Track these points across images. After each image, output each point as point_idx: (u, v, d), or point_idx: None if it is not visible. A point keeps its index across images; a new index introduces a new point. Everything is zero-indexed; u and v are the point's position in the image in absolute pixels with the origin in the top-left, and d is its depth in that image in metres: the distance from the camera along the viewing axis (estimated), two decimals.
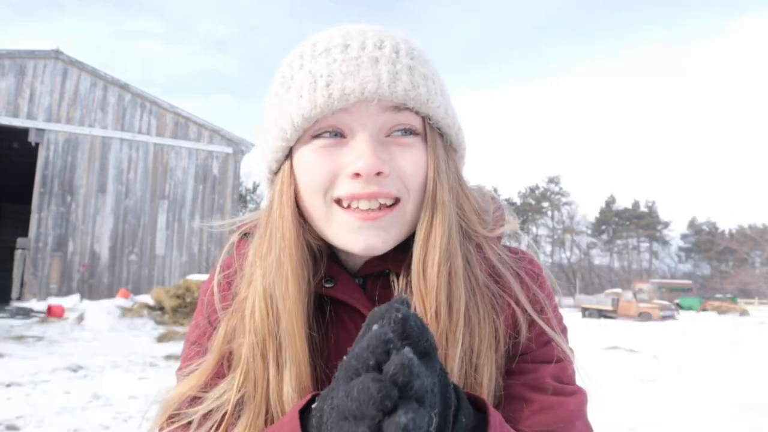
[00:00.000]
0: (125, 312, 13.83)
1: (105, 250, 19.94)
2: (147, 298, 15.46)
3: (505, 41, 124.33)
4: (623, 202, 75.76)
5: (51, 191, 19.34)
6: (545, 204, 73.41)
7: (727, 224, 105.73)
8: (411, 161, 0.68)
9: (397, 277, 0.73)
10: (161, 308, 14.46)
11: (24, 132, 19.27)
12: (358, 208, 0.67)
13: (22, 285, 18.60)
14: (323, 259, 0.75)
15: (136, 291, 19.56)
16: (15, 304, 17.23)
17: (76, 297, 17.64)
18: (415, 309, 0.68)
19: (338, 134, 0.68)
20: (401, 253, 0.72)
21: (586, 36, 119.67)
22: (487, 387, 0.69)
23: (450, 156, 0.74)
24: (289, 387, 0.67)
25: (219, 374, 0.74)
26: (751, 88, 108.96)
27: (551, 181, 73.77)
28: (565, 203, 73.39)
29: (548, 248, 72.41)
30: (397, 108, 0.68)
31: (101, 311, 13.53)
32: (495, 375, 0.70)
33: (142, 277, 20.39)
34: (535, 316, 0.73)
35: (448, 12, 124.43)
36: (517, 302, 0.73)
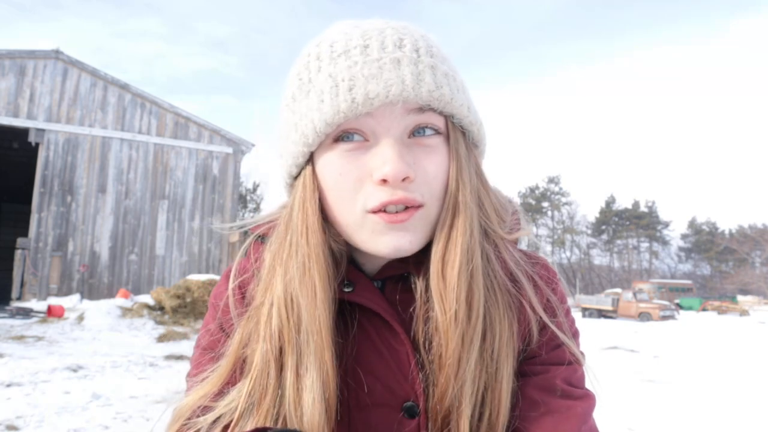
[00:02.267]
0: (125, 312, 13.82)
1: (105, 250, 19.94)
2: (147, 298, 15.45)
3: (505, 41, 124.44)
4: (623, 202, 75.80)
5: (51, 191, 19.34)
6: (545, 204, 73.36)
7: (727, 224, 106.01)
8: (435, 163, 0.68)
9: (418, 279, 0.73)
10: (161, 308, 14.45)
11: (24, 132, 19.27)
12: (385, 211, 0.67)
13: (22, 285, 18.60)
14: (343, 263, 0.75)
15: (136, 291, 19.58)
16: (15, 304, 17.23)
17: (76, 297, 17.64)
18: (434, 312, 0.69)
19: (361, 137, 0.67)
20: (421, 256, 0.72)
21: (586, 36, 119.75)
22: (506, 386, 0.69)
23: (471, 153, 0.74)
24: (312, 395, 0.66)
25: (232, 381, 0.73)
26: (751, 88, 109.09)
27: (551, 181, 73.74)
28: (565, 203, 73.36)
29: (548, 248, 72.34)
30: (421, 109, 0.67)
31: (101, 311, 13.53)
32: (512, 375, 0.70)
33: (142, 277, 20.39)
34: (547, 320, 0.73)
35: (448, 12, 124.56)
36: (531, 305, 0.73)
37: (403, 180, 0.65)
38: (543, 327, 0.74)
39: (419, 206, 0.68)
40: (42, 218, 19.12)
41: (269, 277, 0.73)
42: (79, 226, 19.63)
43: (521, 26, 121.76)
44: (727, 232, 71.63)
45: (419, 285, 0.72)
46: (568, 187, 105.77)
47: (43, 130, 19.27)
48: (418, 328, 0.71)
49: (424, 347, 0.70)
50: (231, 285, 0.80)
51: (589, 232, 74.67)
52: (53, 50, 19.64)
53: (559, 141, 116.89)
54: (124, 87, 20.59)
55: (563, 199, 73.27)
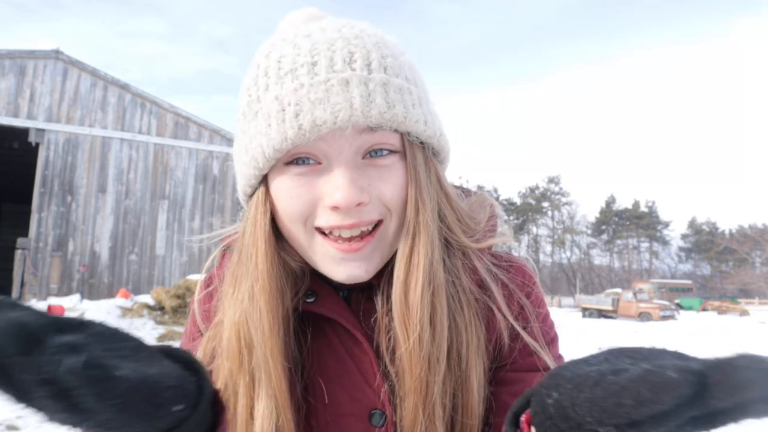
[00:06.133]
0: (125, 312, 13.83)
1: (105, 250, 19.94)
2: (147, 298, 15.45)
3: (506, 41, 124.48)
4: (623, 202, 75.80)
5: (51, 191, 19.34)
6: (545, 204, 73.31)
7: (727, 224, 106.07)
8: (391, 182, 0.66)
9: (380, 290, 0.72)
10: (161, 308, 14.45)
11: (24, 132, 19.27)
12: (340, 236, 0.66)
13: (22, 285, 18.60)
14: (305, 276, 0.73)
15: (136, 291, 19.56)
16: None
17: (76, 297, 17.64)
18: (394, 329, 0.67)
19: (314, 160, 0.66)
20: (384, 266, 0.71)
21: (586, 36, 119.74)
22: (477, 393, 0.68)
23: (431, 167, 0.71)
24: (263, 421, 0.65)
25: None
26: (751, 88, 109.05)
27: (551, 181, 73.70)
28: (565, 203, 73.34)
29: (548, 248, 72.41)
30: (373, 129, 0.64)
31: (101, 311, 13.52)
32: (483, 382, 0.69)
33: (142, 277, 20.39)
34: (519, 328, 0.71)
35: (449, 12, 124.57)
36: (502, 313, 0.72)
37: (357, 206, 0.64)
38: (516, 334, 0.72)
39: (376, 225, 0.66)
40: (42, 218, 19.12)
41: (226, 293, 0.73)
42: (79, 226, 19.63)
43: (521, 26, 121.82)
44: (727, 232, 71.62)
45: (380, 296, 0.71)
46: (568, 187, 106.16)
47: (43, 130, 19.26)
48: (381, 338, 0.70)
49: (389, 357, 0.69)
50: (197, 297, 0.80)
51: (589, 232, 74.65)
52: (53, 50, 19.64)
53: (559, 141, 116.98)
54: (124, 87, 20.59)
55: (563, 199, 73.27)
